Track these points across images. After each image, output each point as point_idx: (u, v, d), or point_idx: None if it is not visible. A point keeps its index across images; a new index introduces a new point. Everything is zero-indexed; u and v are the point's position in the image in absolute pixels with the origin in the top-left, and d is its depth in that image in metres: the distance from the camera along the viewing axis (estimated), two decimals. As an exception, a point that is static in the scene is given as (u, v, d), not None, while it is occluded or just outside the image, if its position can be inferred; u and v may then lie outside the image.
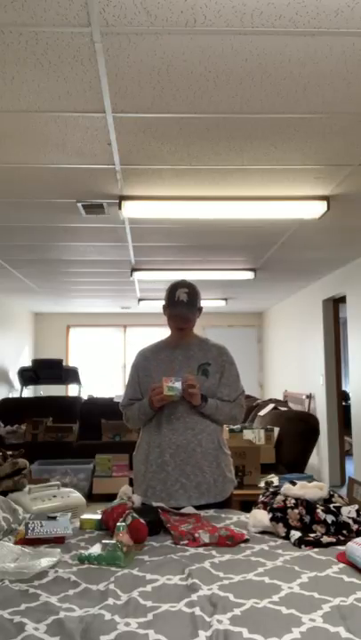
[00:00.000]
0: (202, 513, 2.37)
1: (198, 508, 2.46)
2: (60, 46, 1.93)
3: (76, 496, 3.72)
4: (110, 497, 2.92)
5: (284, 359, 8.60)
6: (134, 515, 2.12)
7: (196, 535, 2.07)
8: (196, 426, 2.51)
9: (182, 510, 2.36)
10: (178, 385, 2.38)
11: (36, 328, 10.19)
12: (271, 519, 2.20)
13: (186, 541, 2.06)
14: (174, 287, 2.56)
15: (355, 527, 2.13)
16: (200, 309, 2.61)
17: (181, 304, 2.52)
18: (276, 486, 2.54)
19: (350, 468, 6.38)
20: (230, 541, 2.06)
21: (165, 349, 2.65)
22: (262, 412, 5.85)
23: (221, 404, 2.57)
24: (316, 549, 1.99)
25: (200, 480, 2.49)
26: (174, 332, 2.66)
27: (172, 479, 2.47)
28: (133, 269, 5.89)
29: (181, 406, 2.49)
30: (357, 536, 2.08)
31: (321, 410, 6.68)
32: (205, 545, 2.04)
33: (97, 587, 1.68)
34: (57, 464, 5.73)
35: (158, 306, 9.56)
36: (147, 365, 2.63)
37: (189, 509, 2.38)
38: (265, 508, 2.28)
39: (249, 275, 6.05)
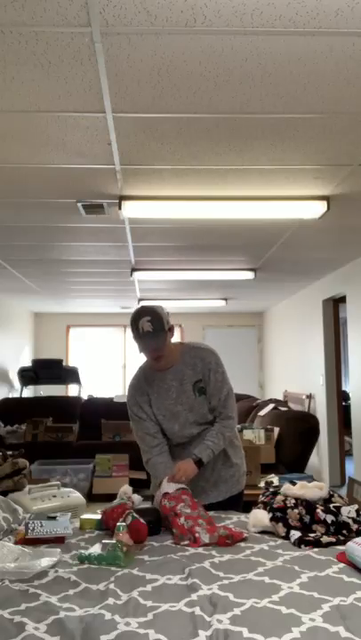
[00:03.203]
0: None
1: (215, 504, 2.53)
2: (60, 46, 1.93)
3: (76, 496, 3.72)
4: (110, 497, 2.92)
5: (284, 359, 8.60)
6: (134, 515, 2.12)
7: (197, 535, 2.07)
8: (205, 433, 2.52)
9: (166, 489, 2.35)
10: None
11: (36, 328, 10.19)
12: (271, 519, 2.20)
13: (187, 542, 2.06)
14: (135, 318, 2.37)
15: (355, 527, 2.13)
16: (171, 329, 2.43)
17: (147, 335, 2.34)
18: (276, 486, 2.54)
19: (350, 468, 6.38)
20: (230, 540, 2.07)
21: (155, 375, 2.52)
22: (262, 412, 5.85)
23: (213, 443, 2.45)
24: (315, 549, 1.99)
25: (216, 479, 2.56)
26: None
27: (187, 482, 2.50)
28: (133, 269, 5.89)
29: (190, 419, 2.50)
30: (357, 536, 2.09)
31: (321, 410, 6.68)
32: (206, 545, 2.05)
33: (97, 586, 1.69)
34: (57, 464, 5.72)
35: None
36: (148, 400, 2.54)
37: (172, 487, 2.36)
38: (265, 508, 2.28)
39: (249, 275, 6.05)
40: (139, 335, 2.36)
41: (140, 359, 2.56)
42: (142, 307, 2.42)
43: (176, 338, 2.54)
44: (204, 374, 2.48)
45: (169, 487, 2.34)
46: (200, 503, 2.33)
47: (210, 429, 2.51)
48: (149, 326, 2.34)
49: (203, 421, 2.51)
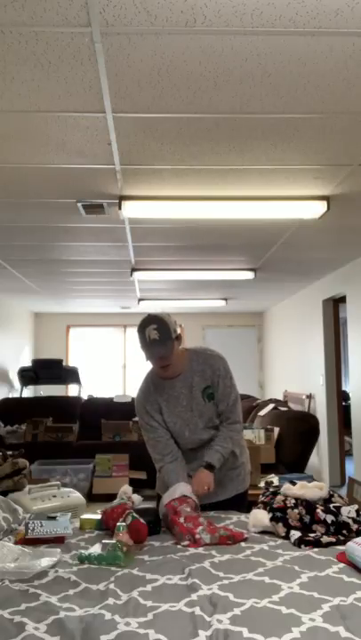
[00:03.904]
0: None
1: (222, 502, 2.56)
2: (60, 46, 1.93)
3: (76, 496, 3.72)
4: (110, 497, 2.92)
5: (284, 359, 8.60)
6: (134, 515, 2.12)
7: (197, 537, 2.07)
8: (213, 437, 2.54)
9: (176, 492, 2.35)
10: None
11: (36, 328, 10.19)
12: (271, 519, 2.20)
13: (187, 542, 2.06)
14: (142, 327, 2.34)
15: (355, 527, 2.13)
16: (178, 337, 2.40)
17: (154, 343, 2.31)
18: (276, 486, 2.54)
19: (350, 468, 6.38)
20: (231, 541, 2.07)
21: (163, 382, 2.51)
22: (262, 412, 5.85)
23: (223, 447, 2.47)
24: (315, 549, 1.99)
25: (222, 478, 2.57)
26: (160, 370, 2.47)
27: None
28: (133, 269, 5.89)
29: (200, 425, 2.51)
30: (357, 536, 2.09)
31: (321, 410, 6.68)
32: (206, 545, 2.05)
33: (97, 586, 1.69)
34: (57, 464, 5.73)
35: (158, 306, 9.43)
36: (159, 408, 2.52)
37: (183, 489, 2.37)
38: (265, 508, 2.28)
39: (249, 275, 6.05)
40: (146, 343, 2.33)
41: (146, 366, 2.54)
42: (149, 315, 2.39)
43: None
44: (213, 381, 2.48)
45: (178, 492, 2.33)
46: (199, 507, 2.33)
47: (217, 434, 2.51)
48: (156, 334, 2.31)
49: (212, 426, 2.53)
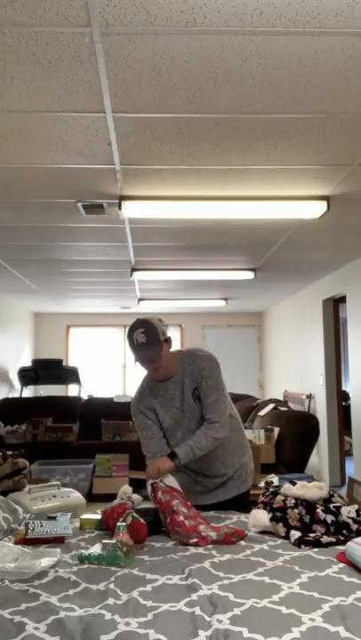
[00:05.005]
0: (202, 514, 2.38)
1: (223, 502, 2.56)
2: (60, 46, 1.93)
3: (76, 496, 3.72)
4: (110, 497, 2.92)
5: (284, 359, 8.60)
6: (134, 515, 2.12)
7: (203, 534, 2.07)
8: None
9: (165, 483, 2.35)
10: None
11: (36, 328, 10.19)
12: (271, 519, 2.20)
13: (195, 540, 2.06)
14: (130, 330, 2.42)
15: (355, 527, 2.13)
16: (167, 340, 2.45)
17: (142, 346, 2.38)
18: (276, 486, 2.54)
19: (350, 468, 6.38)
20: (235, 538, 2.08)
21: (158, 385, 2.55)
22: (262, 412, 5.85)
23: (195, 442, 2.42)
24: (315, 549, 1.99)
25: (224, 480, 2.58)
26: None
27: (192, 481, 2.54)
28: (133, 269, 5.89)
29: (192, 427, 2.51)
30: (357, 536, 2.09)
31: (321, 410, 6.68)
32: (214, 542, 2.05)
33: (97, 586, 1.69)
34: (57, 464, 5.73)
35: (158, 306, 9.44)
36: (153, 408, 2.55)
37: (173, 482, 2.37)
38: (265, 508, 2.28)
39: (249, 275, 6.05)
40: (134, 347, 2.40)
41: (140, 371, 2.56)
42: (137, 319, 2.46)
43: (176, 339, 2.52)
44: (198, 381, 2.49)
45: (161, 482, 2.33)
46: (192, 506, 2.32)
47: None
48: (143, 337, 2.38)
49: None
